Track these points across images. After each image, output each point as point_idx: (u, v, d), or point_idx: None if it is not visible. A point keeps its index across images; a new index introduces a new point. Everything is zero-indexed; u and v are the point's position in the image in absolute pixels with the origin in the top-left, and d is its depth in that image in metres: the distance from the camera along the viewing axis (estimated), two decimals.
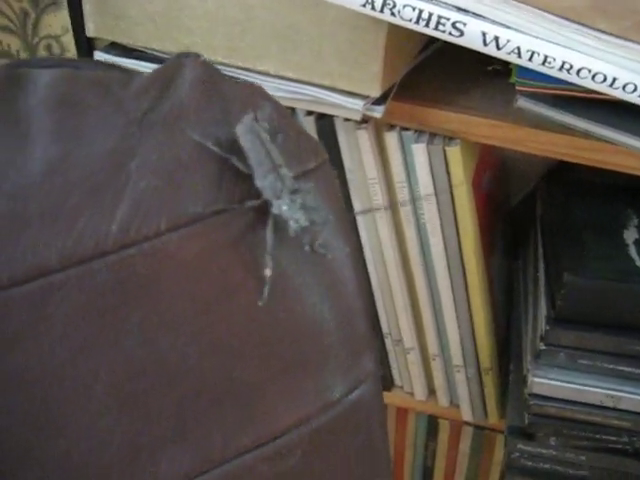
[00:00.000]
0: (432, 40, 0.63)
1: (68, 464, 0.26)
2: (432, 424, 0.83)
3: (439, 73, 0.64)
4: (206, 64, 0.29)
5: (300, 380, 0.30)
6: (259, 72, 0.54)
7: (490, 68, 0.66)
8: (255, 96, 0.29)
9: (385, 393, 0.80)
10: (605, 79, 0.42)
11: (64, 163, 0.25)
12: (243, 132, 0.29)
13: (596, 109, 0.55)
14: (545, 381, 0.64)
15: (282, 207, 0.29)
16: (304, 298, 0.30)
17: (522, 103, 0.57)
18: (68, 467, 0.26)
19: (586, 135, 0.56)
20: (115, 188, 0.25)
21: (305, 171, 0.29)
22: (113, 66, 0.30)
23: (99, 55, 0.58)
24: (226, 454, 0.29)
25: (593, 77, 0.42)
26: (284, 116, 0.30)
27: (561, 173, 0.81)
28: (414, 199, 0.63)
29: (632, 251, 0.64)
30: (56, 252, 0.25)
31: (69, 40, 0.77)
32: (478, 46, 0.43)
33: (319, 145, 0.31)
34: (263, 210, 0.28)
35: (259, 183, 0.29)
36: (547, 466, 0.70)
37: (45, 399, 0.25)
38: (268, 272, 0.29)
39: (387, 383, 0.79)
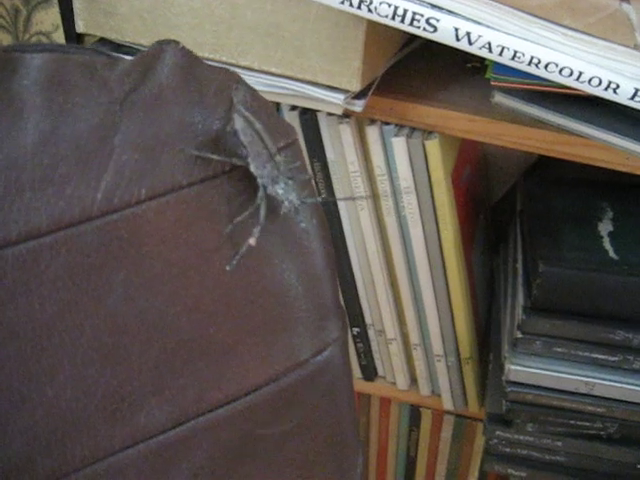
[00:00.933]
0: (413, 37, 0.65)
1: (56, 411, 0.29)
2: (414, 413, 0.85)
3: (420, 70, 0.66)
4: (185, 50, 0.31)
5: (269, 341, 0.32)
6: (243, 67, 0.56)
7: (469, 65, 0.68)
8: (230, 80, 0.32)
9: (369, 383, 0.82)
10: (571, 73, 0.44)
11: (54, 136, 0.28)
12: (242, 127, 0.31)
13: (569, 104, 0.57)
14: (522, 368, 0.66)
15: (278, 191, 0.32)
16: (274, 264, 0.32)
17: (499, 98, 0.59)
18: (56, 414, 0.28)
19: (560, 129, 0.58)
20: (100, 160, 0.28)
21: (277, 148, 0.32)
22: (100, 51, 0.32)
23: None
24: (200, 407, 0.31)
25: (560, 71, 0.44)
26: (257, 98, 0.32)
27: (540, 169, 0.83)
28: (395, 191, 0.65)
29: (606, 243, 0.66)
30: (46, 216, 0.27)
31: (60, 36, 0.79)
32: (451, 41, 0.45)
33: (289, 126, 0.34)
34: (237, 183, 0.30)
35: (257, 172, 0.32)
36: (525, 452, 0.72)
37: (35, 350, 0.28)
38: (253, 242, 0.32)
39: (370, 373, 0.81)
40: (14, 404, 0.28)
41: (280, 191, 0.32)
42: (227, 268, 0.31)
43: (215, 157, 0.31)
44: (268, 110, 0.33)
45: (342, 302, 0.74)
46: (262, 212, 0.32)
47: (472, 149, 0.77)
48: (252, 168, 0.32)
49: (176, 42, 0.31)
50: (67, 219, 0.27)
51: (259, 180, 0.32)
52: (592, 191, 0.74)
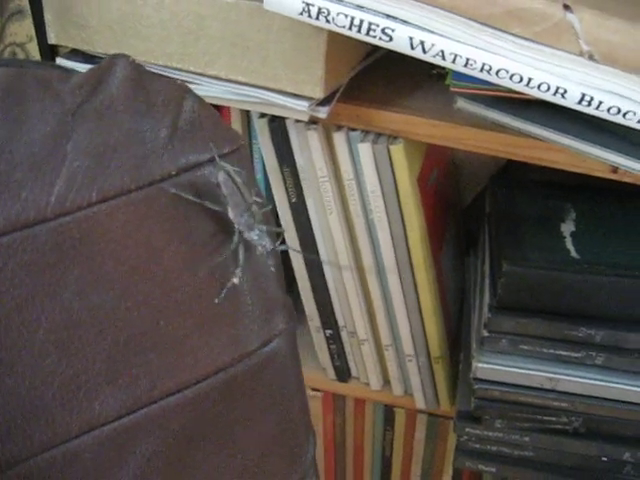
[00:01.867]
0: (377, 46, 0.67)
1: (15, 399, 0.30)
2: (388, 413, 0.87)
3: (385, 77, 0.68)
4: (134, 64, 0.33)
5: (217, 333, 0.34)
6: (211, 76, 0.58)
7: (434, 72, 0.70)
8: (178, 90, 0.34)
9: (343, 385, 0.84)
10: (521, 79, 0.46)
11: (9, 144, 0.30)
12: (223, 180, 0.35)
13: (527, 109, 0.59)
14: (489, 366, 0.68)
15: (253, 237, 0.36)
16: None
17: (461, 104, 0.61)
18: (15, 402, 0.30)
19: (520, 133, 0.60)
20: (53, 166, 0.30)
21: (220, 155, 0.34)
22: (55, 65, 0.34)
23: (61, 61, 0.62)
24: (152, 395, 0.33)
25: (511, 77, 0.46)
26: (205, 107, 0.34)
27: (507, 173, 0.85)
28: (362, 195, 0.67)
29: (568, 242, 0.68)
30: (3, 218, 0.29)
31: (34, 48, 0.80)
32: (406, 50, 0.47)
33: (236, 133, 0.36)
34: (183, 188, 0.32)
35: (235, 219, 0.35)
36: (494, 448, 0.74)
37: (1, 339, 0.30)
38: (236, 281, 0.35)
39: (344, 375, 0.83)
40: None
41: (255, 237, 0.36)
42: (216, 301, 0.34)
43: (194, 199, 0.34)
44: (214, 118, 0.35)
45: (316, 302, 0.76)
46: (241, 255, 0.35)
47: (440, 153, 0.79)
48: (231, 215, 0.35)
49: (126, 56, 0.33)
50: (22, 221, 0.29)
51: (236, 226, 0.35)
52: (556, 193, 0.76)
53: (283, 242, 0.39)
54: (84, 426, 0.32)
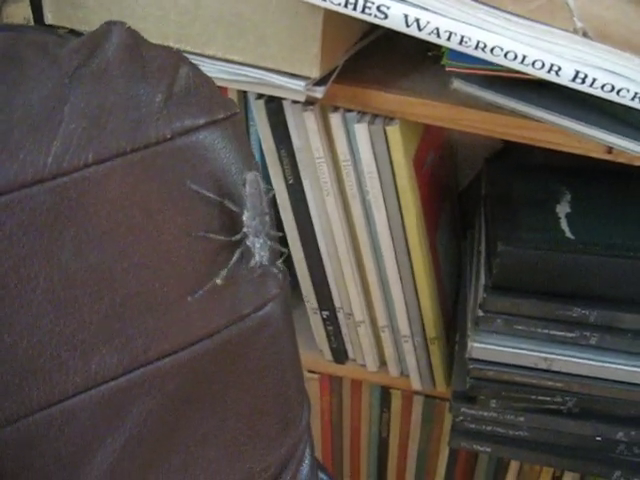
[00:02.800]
0: (374, 27, 0.67)
1: (13, 357, 0.31)
2: (385, 395, 0.87)
3: (382, 58, 0.69)
4: (130, 30, 0.34)
5: (213, 295, 0.35)
6: (207, 56, 0.58)
7: (430, 54, 0.70)
8: (173, 57, 0.34)
9: (340, 366, 0.84)
10: (516, 57, 0.47)
11: (7, 106, 0.30)
12: (251, 179, 0.36)
13: (523, 89, 0.59)
14: (484, 346, 0.69)
15: (255, 244, 0.36)
16: None
17: (457, 85, 0.61)
18: (14, 360, 0.31)
19: (516, 114, 0.60)
20: (50, 127, 0.30)
21: (215, 120, 0.34)
22: (50, 30, 0.35)
23: None
24: (148, 356, 0.34)
25: (505, 55, 0.47)
26: (199, 75, 0.35)
27: (503, 156, 0.86)
28: (359, 176, 0.67)
29: (563, 224, 0.69)
30: (2, 178, 0.30)
31: None
32: (402, 27, 0.47)
33: (232, 101, 0.36)
34: (178, 151, 0.33)
35: (247, 221, 0.36)
36: (489, 428, 0.74)
37: None
38: (219, 282, 0.35)
39: (341, 356, 0.83)
40: None
41: (257, 245, 0.36)
42: (188, 299, 0.35)
43: (211, 195, 0.34)
44: (210, 85, 0.35)
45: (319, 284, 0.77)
46: (234, 258, 0.36)
47: (436, 136, 0.79)
48: (244, 216, 0.36)
49: (122, 23, 0.33)
50: (21, 181, 0.30)
51: (244, 229, 0.36)
52: (552, 176, 0.77)
53: (285, 261, 0.39)
54: (81, 385, 0.32)
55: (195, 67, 0.35)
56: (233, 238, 0.36)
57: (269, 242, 0.37)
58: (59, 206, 0.31)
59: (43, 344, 0.31)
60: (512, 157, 0.84)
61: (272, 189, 0.40)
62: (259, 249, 0.36)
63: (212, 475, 0.37)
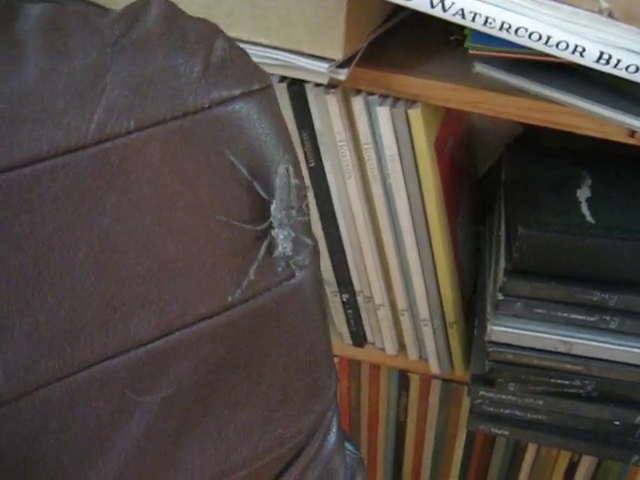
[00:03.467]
0: (397, 10, 0.68)
1: (56, 318, 0.32)
2: (403, 379, 0.88)
3: (405, 42, 0.69)
4: (168, 2, 0.35)
5: (247, 263, 0.36)
6: (233, 39, 0.58)
7: (452, 38, 0.70)
8: (210, 30, 0.35)
9: (358, 349, 0.85)
10: (540, 37, 0.47)
11: (52, 74, 0.31)
12: (282, 172, 0.37)
13: (546, 73, 0.59)
14: (503, 329, 0.69)
15: (279, 235, 0.37)
16: None
17: (479, 68, 0.62)
18: (56, 321, 0.32)
19: (538, 97, 0.60)
20: (93, 95, 0.31)
21: (250, 91, 0.35)
22: (90, 2, 0.36)
23: None
24: (184, 320, 0.35)
25: (530, 36, 0.47)
26: (234, 47, 0.36)
27: (524, 141, 0.86)
28: (380, 160, 0.68)
29: (584, 208, 0.69)
30: (46, 144, 0.30)
31: None
32: (426, 9, 0.48)
33: (265, 73, 0.37)
34: (215, 121, 0.34)
35: (274, 212, 0.37)
36: (507, 411, 0.75)
37: (37, 263, 0.31)
38: (252, 277, 0.36)
39: (360, 340, 0.84)
40: (20, 308, 0.31)
41: (281, 236, 0.37)
42: (229, 299, 0.36)
43: (244, 171, 0.35)
44: (244, 57, 0.36)
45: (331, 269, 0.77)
46: (262, 251, 0.37)
47: (456, 121, 0.79)
48: (272, 207, 0.37)
49: None
50: (64, 146, 0.31)
51: (271, 219, 0.37)
52: (572, 160, 0.77)
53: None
54: (120, 347, 0.33)
55: (230, 39, 0.36)
56: (258, 227, 0.37)
57: (293, 234, 0.38)
58: (101, 172, 0.32)
59: (85, 306, 0.32)
60: (532, 143, 0.85)
61: (307, 186, 0.41)
62: (283, 240, 0.37)
63: (244, 439, 0.38)
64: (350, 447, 0.47)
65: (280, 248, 0.37)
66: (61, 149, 0.31)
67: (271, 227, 0.37)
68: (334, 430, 0.42)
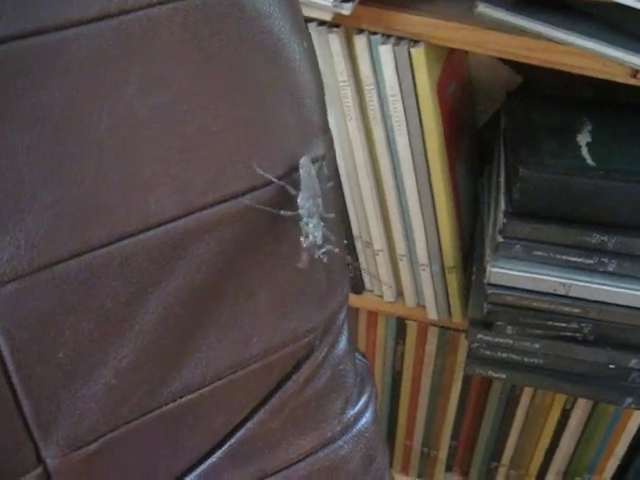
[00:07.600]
0: None
1: (76, 191, 0.32)
2: (400, 326, 0.89)
3: None
4: None
5: (267, 147, 0.36)
6: None
7: None
8: None
9: (356, 297, 0.85)
10: None
11: None
12: (304, 163, 0.38)
13: (548, 12, 0.60)
14: (502, 271, 0.69)
15: (309, 225, 0.38)
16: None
17: (482, 9, 0.61)
18: (76, 194, 0.32)
19: (540, 37, 0.60)
20: None
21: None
22: None
23: None
24: (206, 200, 0.35)
25: None
26: None
27: (523, 90, 0.86)
28: (382, 100, 0.67)
29: (584, 151, 0.69)
30: (70, 12, 0.31)
31: None
32: None
33: None
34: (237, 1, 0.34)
35: (300, 203, 0.38)
36: (505, 355, 0.76)
37: (61, 133, 0.31)
38: (301, 265, 0.38)
39: (358, 287, 0.84)
40: (41, 179, 0.31)
41: (310, 225, 0.38)
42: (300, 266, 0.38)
43: (275, 179, 0.37)
44: None
45: None
46: (308, 241, 0.38)
47: (458, 67, 0.79)
48: (299, 199, 0.38)
49: None
50: (88, 17, 0.31)
51: (299, 210, 0.38)
52: (572, 107, 0.77)
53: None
54: (140, 225, 0.34)
55: None
56: (282, 212, 0.37)
57: (321, 223, 0.38)
58: (125, 42, 0.31)
59: (105, 180, 0.32)
60: (531, 91, 0.84)
61: (332, 181, 0.41)
62: (312, 229, 0.38)
63: (259, 330, 0.39)
64: (360, 357, 0.47)
65: (311, 237, 0.38)
66: (85, 18, 0.31)
67: (299, 218, 0.38)
68: (345, 334, 0.42)
